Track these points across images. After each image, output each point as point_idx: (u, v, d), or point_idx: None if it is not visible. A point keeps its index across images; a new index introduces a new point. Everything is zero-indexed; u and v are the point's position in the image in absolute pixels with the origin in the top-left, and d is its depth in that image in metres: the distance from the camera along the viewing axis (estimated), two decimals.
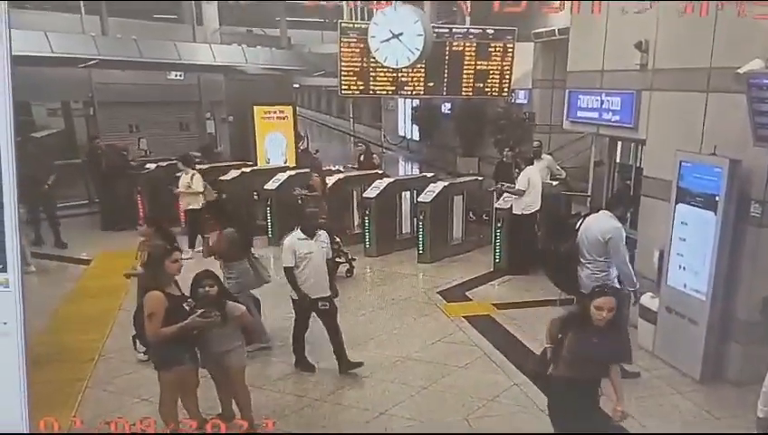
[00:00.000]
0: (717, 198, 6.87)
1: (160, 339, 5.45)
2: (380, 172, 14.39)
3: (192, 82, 20.79)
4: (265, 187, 13.55)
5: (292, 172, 14.37)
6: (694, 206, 7.24)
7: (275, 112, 18.28)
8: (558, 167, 13.10)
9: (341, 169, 15.36)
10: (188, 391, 5.80)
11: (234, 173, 14.30)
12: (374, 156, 16.40)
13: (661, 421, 6.53)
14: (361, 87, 17.19)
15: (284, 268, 7.35)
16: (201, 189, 12.24)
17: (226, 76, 21.54)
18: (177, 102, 20.62)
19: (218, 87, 21.46)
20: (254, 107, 18.12)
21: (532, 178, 11.01)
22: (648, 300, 8.02)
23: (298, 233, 7.42)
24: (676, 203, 7.48)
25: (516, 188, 11.06)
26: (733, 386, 7.00)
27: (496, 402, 6.97)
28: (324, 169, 14.61)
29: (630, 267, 7.23)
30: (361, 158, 16.09)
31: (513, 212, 11.14)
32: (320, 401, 7.03)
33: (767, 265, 6.79)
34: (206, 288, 5.72)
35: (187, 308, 5.59)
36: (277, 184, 13.45)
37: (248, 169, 14.83)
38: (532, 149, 13.03)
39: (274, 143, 18.06)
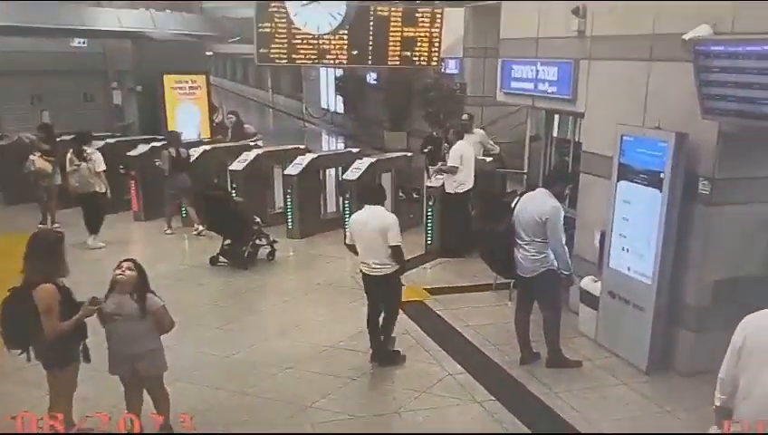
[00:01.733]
0: (662, 175, 6.73)
1: (60, 335, 5.21)
2: (255, 141, 14.60)
3: (97, 50, 20.19)
4: None
5: (207, 147, 13.97)
6: (637, 183, 7.11)
7: (187, 82, 17.87)
8: (491, 142, 13.01)
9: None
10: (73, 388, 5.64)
11: (142, 148, 13.66)
12: (246, 125, 16.06)
13: (606, 415, 6.41)
14: (280, 55, 16.73)
15: (400, 247, 7.10)
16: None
17: (134, 43, 20.81)
18: (80, 72, 20.12)
19: (125, 55, 20.83)
20: (165, 76, 17.71)
21: (465, 154, 10.81)
22: (589, 284, 7.94)
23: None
24: (618, 180, 7.35)
25: (449, 165, 10.84)
26: (682, 376, 6.92)
27: (430, 394, 6.82)
28: None
29: (566, 250, 7.11)
30: (228, 128, 15.86)
31: (446, 191, 10.97)
32: (239, 393, 6.77)
33: (717, 246, 6.71)
34: (124, 271, 5.37)
35: (76, 299, 5.37)
36: (191, 160, 12.91)
37: (158, 144, 14.20)
38: (461, 122, 12.83)
39: (187, 115, 17.59)
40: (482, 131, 13.19)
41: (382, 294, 7.38)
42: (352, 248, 7.35)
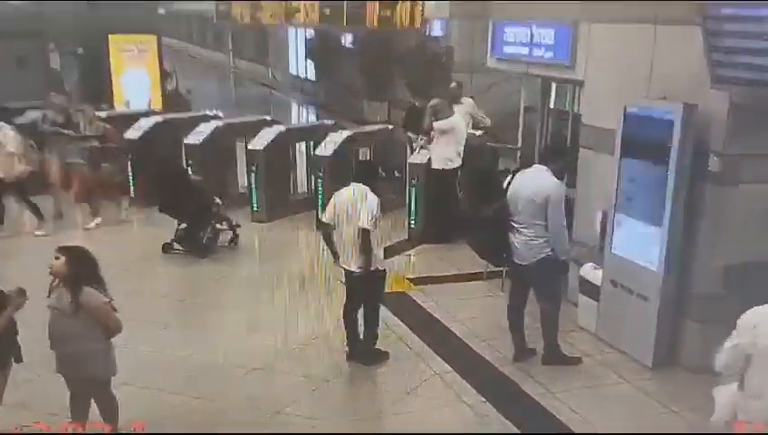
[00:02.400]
0: (670, 150, 6.83)
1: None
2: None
3: (31, 9, 19.89)
4: (126, 136, 12.99)
5: (160, 118, 13.92)
6: (642, 159, 7.22)
7: (136, 44, 17.73)
8: (482, 113, 13.07)
9: None
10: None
11: None
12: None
13: (607, 416, 6.51)
14: (243, 12, 16.72)
15: (368, 233, 7.03)
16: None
17: None
18: (12, 33, 19.72)
19: (65, 13, 20.51)
20: (110, 37, 17.49)
21: (457, 126, 10.97)
22: (589, 272, 8.03)
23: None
24: (622, 156, 7.45)
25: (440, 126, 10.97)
26: (690, 372, 6.96)
27: (414, 395, 6.90)
28: None
29: (567, 233, 7.23)
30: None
31: (433, 167, 11.04)
32: (201, 398, 6.79)
33: (729, 228, 6.81)
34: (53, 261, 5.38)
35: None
36: (140, 133, 12.99)
37: (103, 114, 14.16)
38: (449, 91, 12.91)
39: (135, 82, 17.54)
40: (471, 101, 13.24)
41: (367, 289, 7.41)
42: (327, 230, 7.36)
